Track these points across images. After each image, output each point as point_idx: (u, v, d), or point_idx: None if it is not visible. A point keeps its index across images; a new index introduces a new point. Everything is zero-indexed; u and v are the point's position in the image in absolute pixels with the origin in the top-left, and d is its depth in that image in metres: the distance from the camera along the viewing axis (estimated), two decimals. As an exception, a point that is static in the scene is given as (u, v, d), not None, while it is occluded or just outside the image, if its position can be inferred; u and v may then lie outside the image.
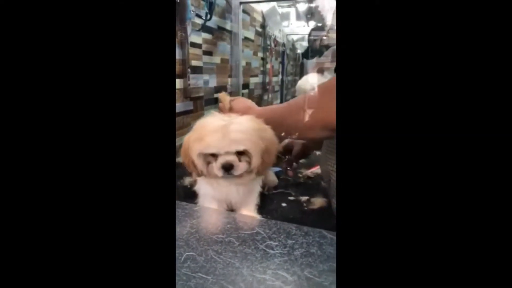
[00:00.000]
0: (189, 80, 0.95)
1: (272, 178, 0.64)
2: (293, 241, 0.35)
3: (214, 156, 0.47)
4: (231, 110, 0.61)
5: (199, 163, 0.48)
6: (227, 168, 0.46)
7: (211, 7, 0.97)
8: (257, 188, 0.55)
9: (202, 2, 0.98)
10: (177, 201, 0.50)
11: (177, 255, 0.34)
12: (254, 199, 0.55)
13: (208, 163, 0.49)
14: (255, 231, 0.37)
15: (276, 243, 0.35)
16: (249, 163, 0.48)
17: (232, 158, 0.46)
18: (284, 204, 0.65)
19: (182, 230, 0.39)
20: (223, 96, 0.67)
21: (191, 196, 0.56)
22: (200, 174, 0.50)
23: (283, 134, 0.59)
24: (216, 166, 0.47)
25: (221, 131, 0.45)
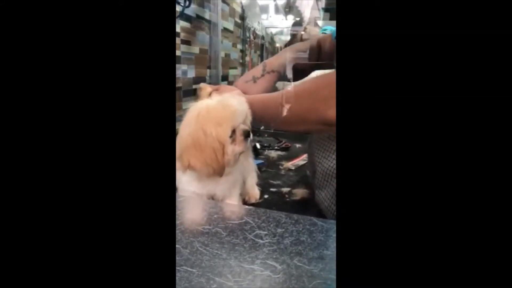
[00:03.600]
0: (167, 69, 0.91)
1: (255, 191, 0.63)
2: (283, 230, 0.35)
3: (232, 134, 0.46)
4: None
5: (228, 145, 0.45)
6: (248, 135, 0.47)
7: (190, -7, 0.94)
8: (240, 178, 0.55)
9: (181, -12, 0.94)
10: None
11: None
12: (238, 190, 0.54)
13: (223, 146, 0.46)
14: (243, 220, 0.36)
15: (265, 232, 0.34)
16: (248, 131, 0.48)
17: (245, 126, 0.47)
18: (266, 196, 0.65)
19: (165, 222, 0.37)
20: (204, 87, 0.65)
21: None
22: (220, 167, 0.45)
23: (262, 127, 0.59)
24: (238, 139, 0.46)
25: (225, 106, 0.46)
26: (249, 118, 0.49)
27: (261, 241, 0.33)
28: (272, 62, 0.74)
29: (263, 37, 2.16)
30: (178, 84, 1.04)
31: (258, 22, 2.01)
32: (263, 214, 0.38)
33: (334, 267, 0.25)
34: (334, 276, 0.28)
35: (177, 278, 0.29)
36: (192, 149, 0.44)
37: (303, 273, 0.29)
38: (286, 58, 0.72)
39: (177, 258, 0.32)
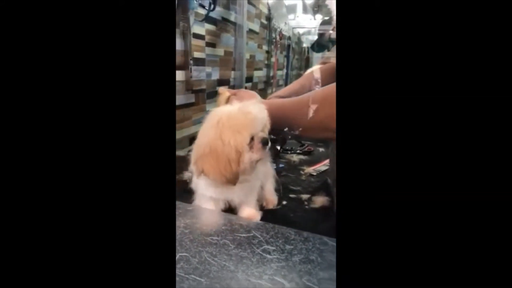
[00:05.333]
0: (191, 72, 0.93)
1: (273, 197, 0.62)
2: (292, 247, 0.33)
3: (250, 141, 0.46)
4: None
5: (245, 152, 0.45)
6: (266, 142, 0.46)
7: (215, -3, 0.94)
8: (257, 184, 0.54)
9: (206, -8, 0.95)
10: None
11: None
12: (255, 196, 0.53)
13: (240, 155, 0.45)
14: (251, 234, 0.36)
15: (274, 248, 0.33)
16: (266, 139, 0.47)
17: (264, 133, 0.46)
18: (284, 202, 0.64)
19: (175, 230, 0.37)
20: (223, 92, 0.65)
21: (190, 191, 0.54)
22: (234, 177, 0.45)
23: (286, 129, 0.57)
24: (256, 147, 0.45)
25: (245, 114, 0.45)
26: (268, 126, 0.48)
27: (269, 256, 0.32)
28: (279, 93, 0.76)
29: (289, 38, 2.13)
30: (202, 86, 1.05)
31: (285, 23, 1.99)
32: (271, 230, 0.37)
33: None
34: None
35: (185, 286, 0.29)
36: (207, 156, 0.44)
37: (313, 293, 0.27)
38: (292, 89, 0.74)
39: (186, 266, 0.31)
